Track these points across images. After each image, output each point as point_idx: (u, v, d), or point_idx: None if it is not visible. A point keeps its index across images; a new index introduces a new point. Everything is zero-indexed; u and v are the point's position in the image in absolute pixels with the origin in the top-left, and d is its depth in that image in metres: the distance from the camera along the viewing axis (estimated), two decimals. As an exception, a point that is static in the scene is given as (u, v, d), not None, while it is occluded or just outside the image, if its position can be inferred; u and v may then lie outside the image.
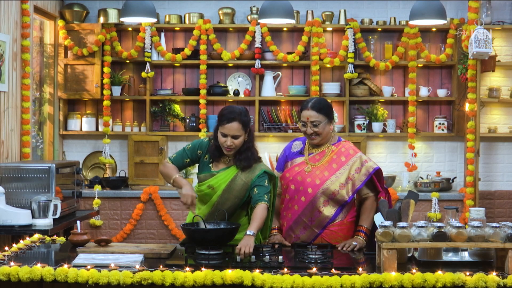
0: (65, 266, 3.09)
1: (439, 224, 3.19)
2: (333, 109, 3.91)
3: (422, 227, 3.17)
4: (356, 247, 3.68)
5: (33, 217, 4.68)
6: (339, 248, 3.68)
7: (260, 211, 3.61)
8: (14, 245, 3.65)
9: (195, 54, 6.84)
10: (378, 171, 3.81)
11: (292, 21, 5.04)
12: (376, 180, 3.82)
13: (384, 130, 6.83)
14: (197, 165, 3.97)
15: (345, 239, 3.78)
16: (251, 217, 3.64)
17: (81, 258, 3.29)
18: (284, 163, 3.97)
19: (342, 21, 6.80)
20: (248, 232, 3.47)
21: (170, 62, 6.84)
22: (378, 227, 3.19)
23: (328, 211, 3.78)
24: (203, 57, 6.79)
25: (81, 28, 6.75)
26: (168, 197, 6.47)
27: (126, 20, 5.15)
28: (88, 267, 3.10)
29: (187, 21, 6.85)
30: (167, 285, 2.99)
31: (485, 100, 6.61)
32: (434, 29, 6.82)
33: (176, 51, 6.85)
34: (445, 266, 3.18)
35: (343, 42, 6.71)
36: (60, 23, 6.75)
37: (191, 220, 3.66)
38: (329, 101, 4.04)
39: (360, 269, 3.07)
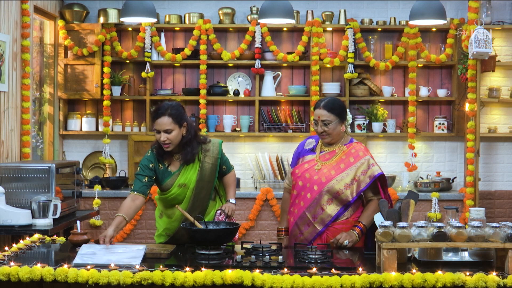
0: (65, 266, 3.09)
1: (439, 224, 3.19)
2: (347, 110, 3.98)
3: (422, 227, 3.18)
4: (349, 243, 3.72)
5: (33, 217, 4.68)
6: (334, 245, 3.72)
7: (233, 178, 4.13)
8: (14, 245, 3.65)
9: (195, 54, 6.84)
10: (382, 177, 3.87)
11: (292, 21, 5.04)
12: (380, 186, 3.88)
13: (384, 130, 6.83)
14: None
15: None
16: (226, 184, 4.11)
17: (84, 252, 3.32)
18: (297, 159, 4.07)
19: (342, 21, 6.80)
20: (231, 201, 4.02)
21: (170, 62, 6.84)
22: (378, 227, 3.19)
23: (331, 209, 3.83)
24: (203, 57, 6.79)
25: (81, 28, 6.75)
26: (168, 197, 6.46)
27: (126, 20, 5.15)
28: (88, 267, 3.10)
29: (187, 21, 6.85)
30: (167, 285, 2.99)
31: (485, 100, 6.61)
32: (434, 29, 6.82)
33: (176, 51, 6.85)
34: (445, 266, 3.18)
35: (343, 42, 6.71)
36: (60, 23, 6.75)
37: (165, 229, 4.01)
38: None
39: (360, 269, 3.07)
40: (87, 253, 3.33)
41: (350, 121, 3.99)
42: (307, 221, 3.87)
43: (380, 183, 3.88)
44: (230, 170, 4.13)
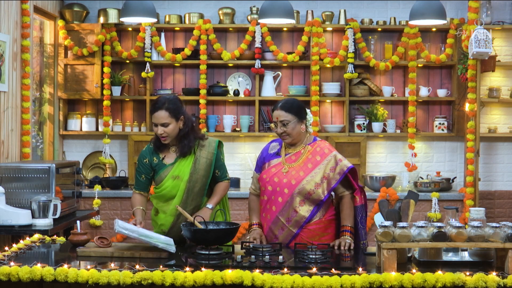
0: (65, 266, 3.09)
1: (439, 224, 3.19)
2: (307, 109, 3.95)
3: (422, 227, 3.18)
4: (351, 245, 3.73)
5: (33, 217, 4.68)
6: (336, 248, 3.71)
7: (222, 188, 4.05)
8: (14, 245, 3.65)
9: (195, 54, 6.84)
10: (352, 170, 3.85)
11: (292, 21, 5.04)
12: (352, 178, 3.86)
13: (384, 130, 6.83)
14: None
15: (323, 237, 3.83)
16: (214, 191, 4.04)
17: (123, 226, 3.53)
18: (262, 164, 4.02)
19: (342, 21, 6.80)
20: (208, 205, 3.95)
21: (170, 62, 6.84)
22: (378, 227, 3.19)
23: (305, 210, 3.82)
24: (203, 57, 6.79)
25: (81, 28, 6.75)
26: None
27: (126, 20, 5.15)
28: (88, 267, 3.11)
29: (187, 21, 6.85)
30: (167, 285, 2.99)
31: (485, 100, 6.61)
32: (434, 29, 6.82)
33: (176, 51, 6.85)
34: (445, 266, 3.18)
35: (343, 42, 6.71)
36: (60, 23, 6.75)
37: (160, 225, 4.02)
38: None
39: (360, 269, 3.07)
40: (126, 227, 3.51)
41: (311, 121, 3.94)
42: (281, 225, 3.86)
43: (352, 175, 3.85)
44: (224, 179, 4.08)
